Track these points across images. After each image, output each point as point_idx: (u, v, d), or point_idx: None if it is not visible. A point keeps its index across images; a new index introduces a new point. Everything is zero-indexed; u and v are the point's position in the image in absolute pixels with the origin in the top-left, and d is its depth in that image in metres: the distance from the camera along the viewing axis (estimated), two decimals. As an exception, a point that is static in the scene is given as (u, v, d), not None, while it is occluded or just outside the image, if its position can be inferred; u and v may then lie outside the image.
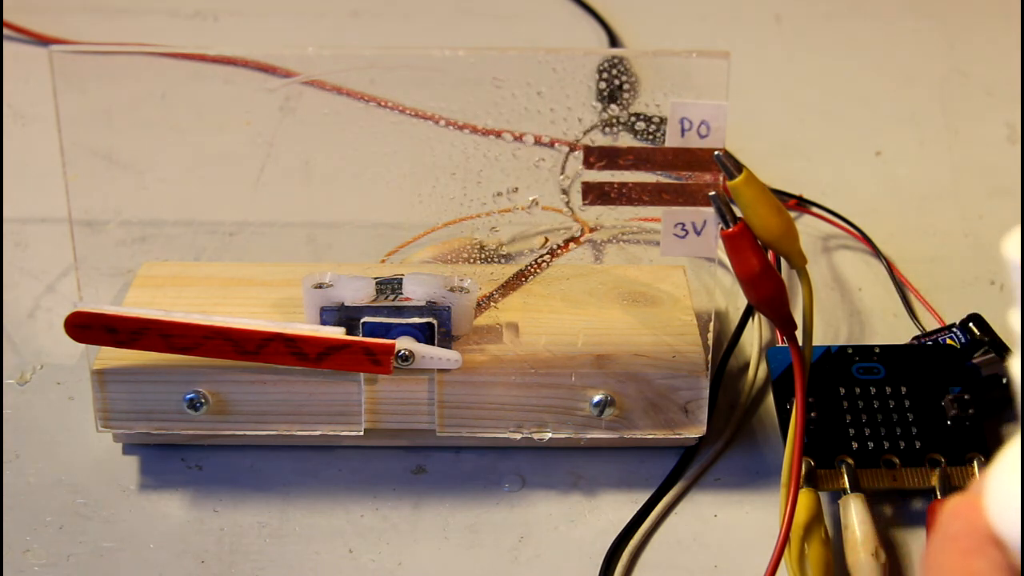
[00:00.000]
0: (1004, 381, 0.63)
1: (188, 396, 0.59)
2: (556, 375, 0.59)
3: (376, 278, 0.60)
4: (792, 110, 0.87)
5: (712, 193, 0.54)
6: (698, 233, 0.58)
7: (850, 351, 0.63)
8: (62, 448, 0.62)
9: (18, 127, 0.83)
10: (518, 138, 0.77)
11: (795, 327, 0.56)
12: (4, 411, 0.63)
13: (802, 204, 0.77)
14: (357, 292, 0.59)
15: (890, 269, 0.72)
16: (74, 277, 0.62)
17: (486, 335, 0.61)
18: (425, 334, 0.58)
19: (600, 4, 0.96)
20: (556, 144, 0.71)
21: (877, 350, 0.63)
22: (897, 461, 0.59)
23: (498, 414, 0.60)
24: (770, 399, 0.64)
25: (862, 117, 0.87)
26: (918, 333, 0.67)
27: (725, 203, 0.54)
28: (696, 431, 0.60)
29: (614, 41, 0.93)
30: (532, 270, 0.65)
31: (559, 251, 0.67)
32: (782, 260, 0.56)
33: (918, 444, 0.60)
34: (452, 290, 0.59)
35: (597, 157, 0.57)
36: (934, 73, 0.91)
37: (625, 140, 0.81)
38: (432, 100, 0.80)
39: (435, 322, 0.58)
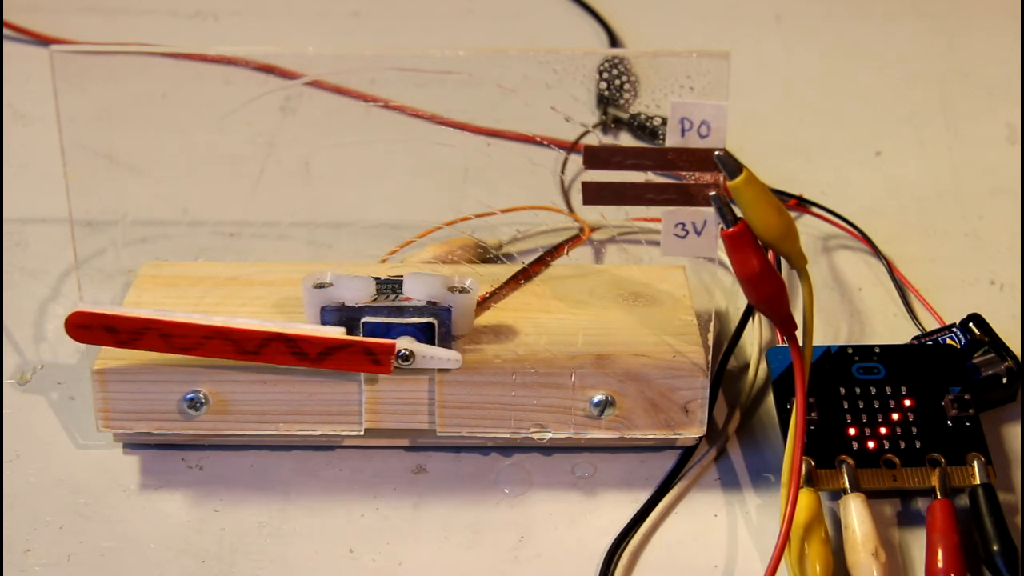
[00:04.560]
0: (1004, 381, 0.63)
1: (188, 396, 0.59)
2: (556, 375, 0.59)
3: (376, 278, 0.60)
4: (792, 110, 0.87)
5: (712, 193, 0.54)
6: (698, 233, 0.58)
7: (850, 351, 0.63)
8: (62, 448, 0.62)
9: (18, 127, 0.83)
10: (518, 138, 0.77)
11: (795, 327, 0.56)
12: (4, 411, 0.63)
13: (802, 204, 0.77)
14: (357, 292, 0.59)
15: (890, 269, 0.72)
16: (74, 277, 0.62)
17: (486, 335, 0.61)
18: (425, 334, 0.58)
19: (600, 4, 0.96)
20: (556, 144, 0.71)
21: (877, 350, 0.63)
22: (897, 461, 0.59)
23: (498, 414, 0.60)
24: (770, 399, 0.64)
25: (862, 117, 0.87)
26: (918, 333, 0.67)
27: (725, 203, 0.54)
28: (696, 431, 0.60)
29: (614, 41, 0.93)
30: (532, 270, 0.65)
31: (559, 251, 0.67)
32: (782, 260, 0.56)
33: (918, 444, 0.60)
34: (452, 290, 0.59)
35: (597, 157, 0.57)
36: (934, 73, 0.91)
37: (625, 140, 0.81)
38: (432, 100, 0.80)
39: (435, 322, 0.58)
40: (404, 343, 0.58)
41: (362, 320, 0.58)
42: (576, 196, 0.75)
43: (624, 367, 0.59)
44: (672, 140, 0.56)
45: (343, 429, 0.60)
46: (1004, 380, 0.63)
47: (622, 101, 0.77)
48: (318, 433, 0.60)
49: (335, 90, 0.78)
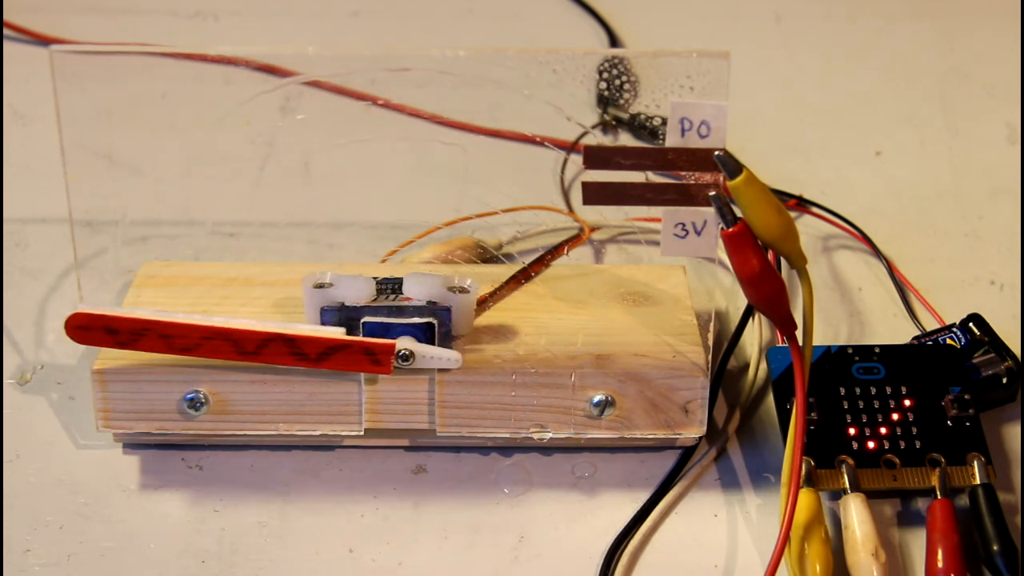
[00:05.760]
0: (1004, 381, 0.63)
1: (188, 396, 0.59)
2: (556, 375, 0.59)
3: (376, 278, 0.60)
4: (792, 110, 0.87)
5: (712, 193, 0.54)
6: (698, 233, 0.58)
7: (850, 351, 0.63)
8: (62, 448, 0.62)
9: (18, 127, 0.83)
10: (518, 138, 0.77)
11: (795, 327, 0.56)
12: (4, 411, 0.63)
13: (802, 204, 0.77)
14: (357, 292, 0.59)
15: (890, 269, 0.72)
16: (74, 277, 0.62)
17: (486, 335, 0.61)
18: (425, 334, 0.58)
19: (600, 4, 0.96)
20: (556, 144, 0.71)
21: (877, 350, 0.63)
22: (897, 461, 0.59)
23: (498, 414, 0.60)
24: (770, 399, 0.64)
25: (862, 117, 0.87)
26: (918, 333, 0.67)
27: (725, 203, 0.54)
28: (696, 431, 0.60)
29: (614, 41, 0.93)
30: (532, 270, 0.65)
31: (559, 251, 0.67)
32: (782, 260, 0.56)
33: (918, 444, 0.60)
34: (452, 290, 0.59)
35: (597, 157, 0.57)
36: (934, 73, 0.91)
37: (625, 140, 0.81)
38: (432, 100, 0.80)
39: (435, 322, 0.58)
40: (404, 343, 0.58)
41: (362, 320, 0.58)
42: (576, 196, 0.75)
43: (624, 367, 0.59)
44: (672, 140, 0.56)
45: (343, 429, 0.60)
46: (1004, 380, 0.63)
47: (622, 101, 0.77)
48: (318, 433, 0.60)
49: (335, 90, 0.78)
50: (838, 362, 0.63)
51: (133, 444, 0.61)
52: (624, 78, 0.66)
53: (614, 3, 0.96)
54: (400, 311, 0.59)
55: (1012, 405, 0.64)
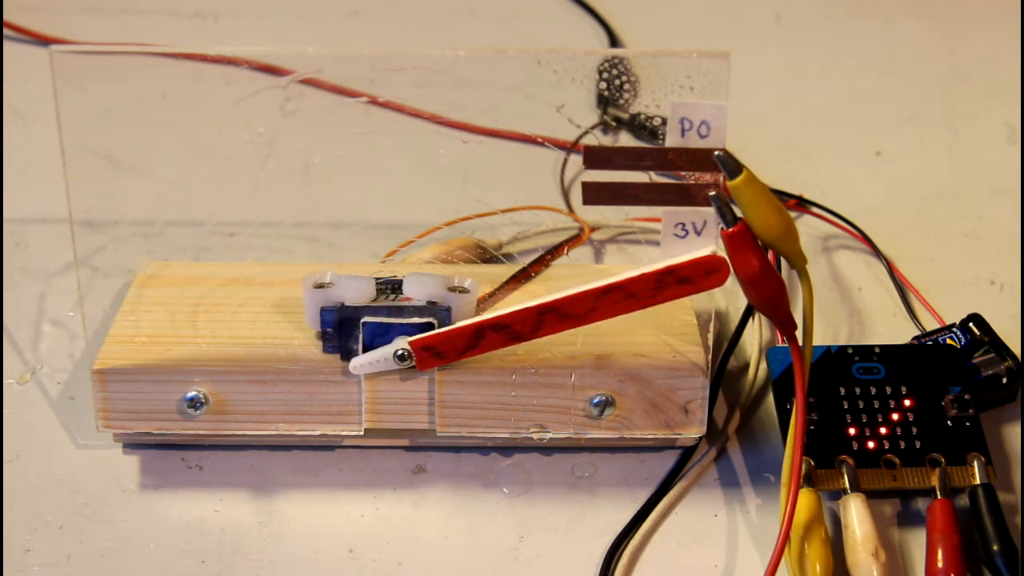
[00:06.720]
0: (1004, 381, 0.63)
1: (188, 396, 0.59)
2: (556, 375, 0.59)
3: (376, 278, 0.60)
4: (792, 110, 0.87)
5: (712, 193, 0.54)
6: (698, 233, 0.58)
7: (850, 351, 0.63)
8: (62, 448, 0.62)
9: (18, 127, 0.83)
10: (518, 138, 0.77)
11: (795, 327, 0.56)
12: (4, 411, 0.63)
13: (802, 204, 0.77)
14: (357, 292, 0.59)
15: (890, 269, 0.72)
16: (74, 277, 0.62)
17: (486, 335, 0.61)
18: (425, 334, 0.58)
19: (600, 4, 0.96)
20: (556, 144, 0.71)
21: (877, 350, 0.63)
22: (897, 461, 0.59)
23: (498, 414, 0.60)
24: (770, 399, 0.64)
25: (862, 117, 0.87)
26: (918, 333, 0.67)
27: (725, 203, 0.54)
28: (696, 431, 0.60)
29: (614, 41, 0.93)
30: (532, 270, 0.65)
31: (559, 251, 0.67)
32: (782, 260, 0.56)
33: (918, 444, 0.60)
34: (452, 290, 0.59)
35: (597, 157, 0.57)
36: (934, 73, 0.91)
37: (625, 140, 0.81)
38: (432, 100, 0.80)
39: (435, 322, 0.58)
40: (403, 343, 0.58)
41: (362, 320, 0.58)
42: (576, 196, 0.75)
43: (624, 367, 0.59)
44: (672, 140, 0.56)
45: (343, 429, 0.60)
46: (1004, 380, 0.63)
47: (622, 101, 0.77)
48: (318, 433, 0.60)
49: (335, 90, 0.78)
50: (838, 362, 0.63)
51: (133, 444, 0.61)
52: (624, 78, 0.66)
53: (614, 3, 0.96)
54: (400, 311, 0.59)
55: (1012, 405, 0.64)
